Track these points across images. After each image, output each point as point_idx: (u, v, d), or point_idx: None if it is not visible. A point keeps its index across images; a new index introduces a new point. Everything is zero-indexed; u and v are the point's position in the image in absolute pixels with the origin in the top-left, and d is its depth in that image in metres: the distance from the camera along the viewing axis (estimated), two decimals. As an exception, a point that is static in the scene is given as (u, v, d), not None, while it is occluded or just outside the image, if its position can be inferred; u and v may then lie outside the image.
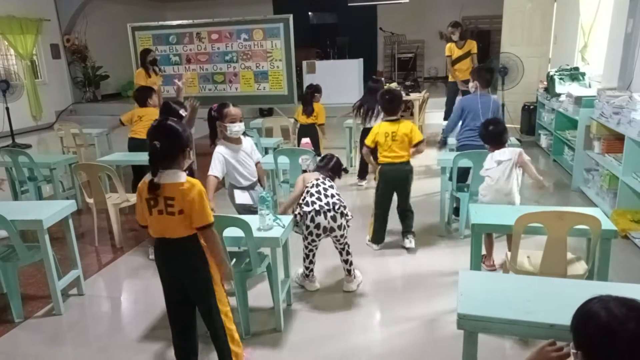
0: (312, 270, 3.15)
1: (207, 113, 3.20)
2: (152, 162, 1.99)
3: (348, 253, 3.10)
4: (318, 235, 2.96)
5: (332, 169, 3.21)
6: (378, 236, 3.72)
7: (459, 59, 6.87)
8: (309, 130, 5.46)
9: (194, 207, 1.98)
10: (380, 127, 3.66)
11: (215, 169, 3.10)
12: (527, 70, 6.78)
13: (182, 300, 2.18)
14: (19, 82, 9.03)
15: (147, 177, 2.01)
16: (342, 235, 3.02)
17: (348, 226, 3.03)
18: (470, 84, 4.19)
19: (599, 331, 1.13)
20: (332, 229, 2.94)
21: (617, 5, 5.05)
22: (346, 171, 3.39)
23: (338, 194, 3.02)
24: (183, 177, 2.01)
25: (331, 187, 3.05)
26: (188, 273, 2.11)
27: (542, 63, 7.60)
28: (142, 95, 4.93)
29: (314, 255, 3.10)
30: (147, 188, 1.99)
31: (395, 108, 3.65)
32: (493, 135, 3.23)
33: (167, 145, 1.98)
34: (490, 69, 4.39)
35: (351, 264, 3.12)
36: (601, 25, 5.84)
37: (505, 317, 1.66)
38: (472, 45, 6.85)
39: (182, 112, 3.53)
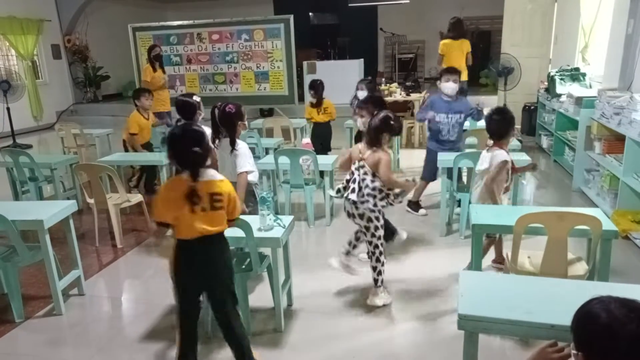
0: (347, 252, 3.14)
1: (220, 113, 3.11)
2: (194, 166, 2.06)
3: (377, 260, 2.91)
4: (348, 217, 2.99)
5: (376, 129, 2.82)
6: None
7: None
8: (323, 130, 5.43)
9: (232, 200, 2.15)
10: None
11: (249, 165, 3.07)
12: (527, 70, 6.78)
13: (198, 302, 2.25)
14: (20, 83, 9.04)
15: (186, 178, 2.05)
16: (366, 227, 2.88)
17: (377, 221, 2.85)
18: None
19: (599, 332, 1.13)
20: (353, 215, 2.92)
21: (617, 6, 5.05)
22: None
23: (367, 186, 2.81)
24: (218, 174, 2.16)
25: (363, 179, 2.83)
26: (221, 267, 2.19)
27: (543, 63, 7.60)
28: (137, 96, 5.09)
29: (355, 238, 3.12)
30: (188, 189, 2.04)
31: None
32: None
33: (203, 149, 2.10)
34: (452, 69, 4.39)
35: (379, 273, 2.93)
36: (602, 26, 5.83)
37: (506, 317, 1.66)
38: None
39: (195, 97, 3.57)
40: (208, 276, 2.16)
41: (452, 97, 4.18)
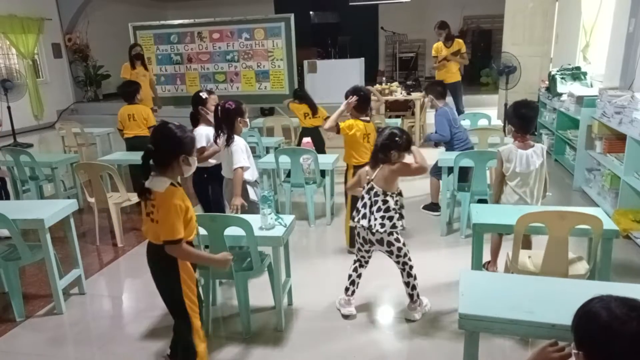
0: (352, 291, 2.87)
1: (221, 110, 3.12)
2: (143, 164, 2.01)
3: (409, 275, 2.75)
4: (362, 245, 2.77)
5: (383, 147, 2.63)
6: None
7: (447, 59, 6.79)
8: (313, 134, 5.37)
9: (161, 220, 1.98)
10: (357, 123, 3.46)
11: (244, 160, 3.08)
12: (528, 69, 6.76)
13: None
14: (21, 81, 9.04)
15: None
16: (388, 252, 2.71)
17: (398, 242, 2.69)
18: (426, 99, 4.30)
19: (600, 331, 1.13)
20: (370, 242, 2.71)
21: (618, 5, 5.04)
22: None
23: (380, 209, 2.63)
24: (164, 186, 1.98)
25: (375, 202, 2.65)
26: (157, 277, 2.19)
27: (544, 62, 7.58)
28: (129, 91, 4.94)
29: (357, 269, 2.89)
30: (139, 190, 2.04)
31: (367, 107, 3.51)
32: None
33: (161, 149, 1.99)
34: (440, 82, 4.41)
35: (413, 288, 2.77)
36: (603, 25, 5.82)
37: (507, 317, 1.66)
38: (460, 45, 6.79)
39: (202, 94, 3.54)
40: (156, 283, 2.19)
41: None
